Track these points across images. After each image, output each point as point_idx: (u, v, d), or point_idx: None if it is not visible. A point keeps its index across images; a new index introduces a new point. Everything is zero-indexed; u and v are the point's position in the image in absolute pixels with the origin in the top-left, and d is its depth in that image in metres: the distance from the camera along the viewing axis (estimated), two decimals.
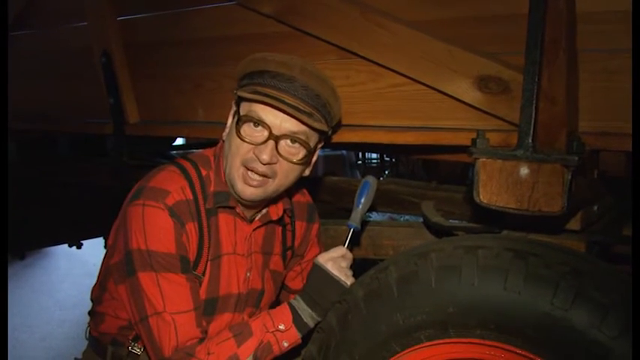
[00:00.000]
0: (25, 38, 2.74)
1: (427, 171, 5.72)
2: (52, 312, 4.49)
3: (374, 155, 8.31)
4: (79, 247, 3.98)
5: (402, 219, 2.97)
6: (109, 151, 3.21)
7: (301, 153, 1.48)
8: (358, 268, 1.61)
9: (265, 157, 1.42)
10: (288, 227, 1.76)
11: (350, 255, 1.60)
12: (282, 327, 1.49)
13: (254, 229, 1.64)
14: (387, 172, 7.47)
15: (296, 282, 1.89)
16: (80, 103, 2.62)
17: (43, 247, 5.21)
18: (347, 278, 1.54)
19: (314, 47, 1.75)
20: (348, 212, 1.67)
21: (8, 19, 2.62)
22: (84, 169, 3.22)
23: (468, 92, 1.51)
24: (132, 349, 1.62)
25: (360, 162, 8.12)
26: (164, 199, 1.45)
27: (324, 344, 1.49)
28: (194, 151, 1.95)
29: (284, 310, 1.53)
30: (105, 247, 1.77)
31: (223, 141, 1.56)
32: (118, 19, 2.25)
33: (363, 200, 1.64)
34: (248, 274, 1.65)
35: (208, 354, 1.44)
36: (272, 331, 1.49)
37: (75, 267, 5.39)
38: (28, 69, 2.79)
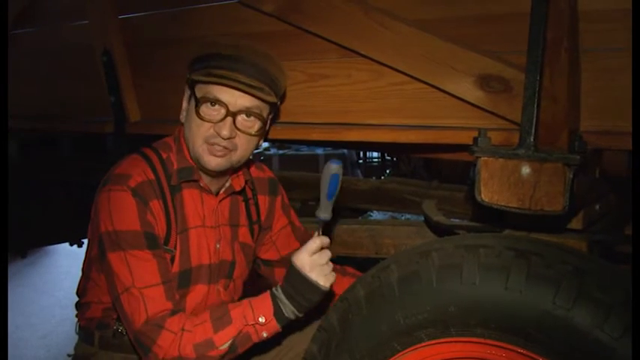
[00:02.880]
0: (26, 37, 2.74)
1: (428, 170, 5.72)
2: (53, 310, 4.49)
3: (375, 154, 8.31)
4: (80, 245, 3.98)
5: (403, 218, 2.97)
6: (110, 149, 3.21)
7: (257, 125, 1.61)
8: (359, 267, 1.60)
9: (225, 132, 1.54)
10: (251, 201, 1.84)
11: (327, 241, 1.56)
12: (262, 319, 1.50)
13: (220, 201, 1.73)
14: (388, 171, 7.47)
15: (270, 253, 1.94)
16: (81, 101, 2.61)
17: (45, 245, 5.22)
18: (326, 279, 1.51)
19: (315, 45, 1.75)
20: (348, 210, 1.67)
21: (9, 17, 2.62)
22: (85, 168, 3.22)
23: (470, 91, 1.51)
24: (117, 328, 1.69)
25: (361, 161, 8.12)
26: (126, 182, 1.55)
27: (325, 343, 1.48)
28: None
29: (265, 301, 1.52)
30: None
31: (182, 124, 1.68)
32: (119, 17, 2.25)
33: (336, 192, 1.52)
34: (218, 246, 1.72)
35: (183, 330, 1.47)
36: (251, 324, 1.50)
37: (76, 265, 5.32)
38: (28, 67, 2.79)
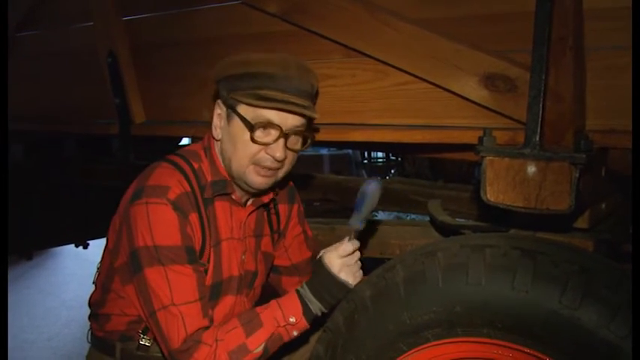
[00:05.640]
0: (32, 39, 2.75)
1: (433, 170, 5.72)
2: (59, 312, 4.49)
3: (380, 154, 8.31)
4: (86, 247, 3.99)
5: (408, 218, 2.97)
6: (115, 151, 3.21)
7: (300, 141, 1.59)
8: (365, 268, 1.60)
9: (280, 154, 1.50)
10: (272, 211, 1.83)
11: (357, 245, 1.58)
12: (292, 320, 1.51)
13: (249, 214, 1.70)
14: (393, 171, 7.47)
15: (281, 260, 1.93)
16: (86, 103, 2.62)
17: (50, 247, 5.23)
18: (355, 279, 1.54)
19: (320, 46, 1.75)
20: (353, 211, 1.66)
21: (14, 20, 2.63)
22: (90, 170, 3.23)
23: (475, 90, 1.50)
24: (142, 341, 1.65)
25: (365, 161, 8.12)
26: (166, 194, 1.50)
27: (331, 344, 1.49)
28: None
29: (293, 300, 1.54)
30: None
31: (214, 139, 1.62)
32: (124, 19, 2.25)
33: (363, 208, 1.57)
34: (243, 257, 1.71)
35: (217, 340, 1.47)
36: (283, 325, 1.51)
37: (81, 267, 5.38)
38: (34, 70, 2.80)
